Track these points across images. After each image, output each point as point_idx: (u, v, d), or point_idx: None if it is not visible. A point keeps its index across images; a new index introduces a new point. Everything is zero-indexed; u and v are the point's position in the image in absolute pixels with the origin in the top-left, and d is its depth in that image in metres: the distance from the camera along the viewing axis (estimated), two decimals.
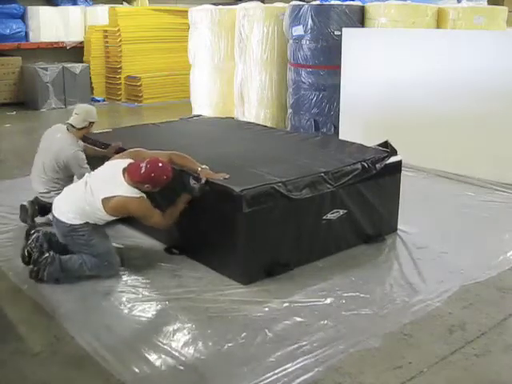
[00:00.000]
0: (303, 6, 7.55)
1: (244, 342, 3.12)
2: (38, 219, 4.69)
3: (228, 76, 8.87)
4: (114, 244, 4.17)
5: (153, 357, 3.00)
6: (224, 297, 3.60)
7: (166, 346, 3.09)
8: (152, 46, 11.42)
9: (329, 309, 3.47)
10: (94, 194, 3.71)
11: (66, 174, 4.61)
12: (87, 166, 4.51)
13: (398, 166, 4.56)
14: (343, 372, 2.88)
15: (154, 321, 3.38)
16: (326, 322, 3.32)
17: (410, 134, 6.39)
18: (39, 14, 11.02)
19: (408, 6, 7.38)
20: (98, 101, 11.36)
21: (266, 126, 6.31)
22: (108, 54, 11.46)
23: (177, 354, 3.02)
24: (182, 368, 2.91)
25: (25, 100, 10.74)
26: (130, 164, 3.78)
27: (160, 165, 3.73)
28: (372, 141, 4.80)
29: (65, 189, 4.00)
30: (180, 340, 3.15)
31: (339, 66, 7.11)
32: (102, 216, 3.76)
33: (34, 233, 3.92)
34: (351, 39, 6.98)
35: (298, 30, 7.54)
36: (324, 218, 4.06)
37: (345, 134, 6.95)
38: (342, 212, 4.14)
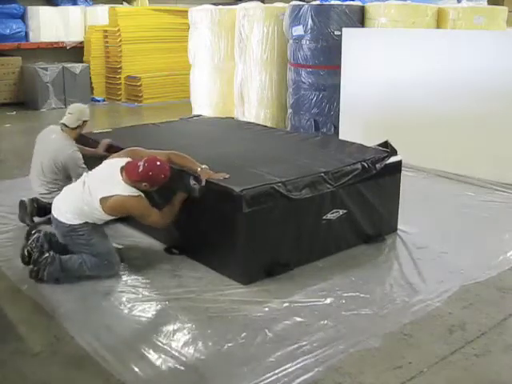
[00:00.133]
0: (303, 5, 7.55)
1: (244, 342, 3.12)
2: (36, 219, 4.70)
3: (228, 76, 8.87)
4: (114, 244, 4.18)
5: (153, 357, 3.00)
6: (224, 297, 3.60)
7: (165, 346, 3.09)
8: (152, 46, 11.42)
9: (329, 309, 3.47)
10: (91, 193, 3.71)
11: (64, 175, 4.61)
12: (84, 166, 4.52)
13: (398, 166, 4.56)
14: (343, 372, 2.88)
15: (154, 321, 3.38)
16: (325, 322, 3.32)
17: (410, 134, 6.39)
18: (39, 14, 11.02)
19: (408, 6, 7.38)
20: (98, 101, 11.37)
21: (266, 126, 6.31)
22: (108, 54, 11.46)
23: (177, 354, 3.02)
24: (182, 368, 2.91)
25: (25, 100, 10.74)
26: (128, 163, 3.78)
27: (158, 163, 3.74)
28: (372, 141, 4.80)
29: (64, 189, 4.00)
30: (180, 340, 3.15)
31: (339, 66, 7.11)
32: (100, 216, 3.76)
33: (34, 233, 3.93)
34: (351, 39, 6.97)
35: (298, 30, 7.54)
36: (324, 218, 4.06)
37: (345, 133, 6.95)
38: (341, 212, 4.15)
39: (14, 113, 10.27)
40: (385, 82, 6.71)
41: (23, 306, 3.57)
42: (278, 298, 3.58)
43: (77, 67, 10.81)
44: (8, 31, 10.77)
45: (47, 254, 3.75)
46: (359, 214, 4.29)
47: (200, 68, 9.19)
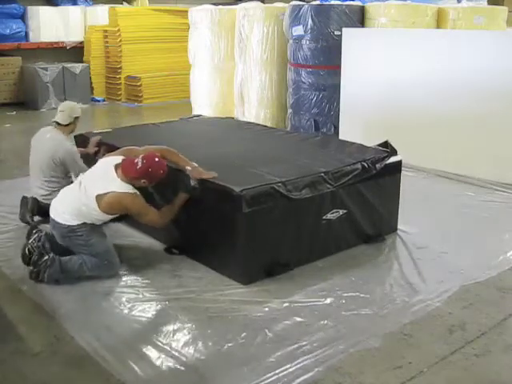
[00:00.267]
0: (303, 5, 7.55)
1: (244, 342, 3.12)
2: (36, 219, 4.70)
3: (228, 76, 8.87)
4: (114, 244, 4.18)
5: (153, 357, 3.00)
6: (224, 297, 3.60)
7: (166, 346, 3.09)
8: (152, 46, 11.42)
9: (329, 309, 3.47)
10: (87, 192, 3.71)
11: (64, 172, 4.66)
12: (82, 162, 4.59)
13: (397, 166, 4.56)
14: (343, 372, 2.88)
15: (154, 321, 3.38)
16: (325, 322, 3.32)
17: (410, 134, 6.39)
18: (39, 14, 11.03)
19: (408, 6, 7.38)
20: (98, 101, 11.37)
21: (266, 126, 6.31)
22: (108, 54, 11.46)
23: (177, 354, 3.02)
24: (182, 368, 2.91)
25: (25, 100, 10.75)
26: (124, 160, 3.78)
27: (156, 160, 3.76)
28: (372, 141, 4.80)
29: (61, 191, 4.00)
30: (180, 340, 3.15)
31: (339, 66, 7.11)
32: (97, 215, 3.76)
33: (36, 232, 3.92)
34: (351, 39, 6.98)
35: (298, 30, 7.54)
36: (324, 217, 4.06)
37: (345, 133, 6.95)
38: (341, 212, 4.15)
39: (14, 113, 10.28)
40: (385, 82, 6.71)
41: (23, 305, 3.57)
42: (278, 298, 3.58)
43: (77, 67, 10.81)
44: (8, 31, 10.78)
45: (47, 257, 3.75)
46: (359, 213, 4.29)
47: (200, 68, 9.19)
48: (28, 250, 3.83)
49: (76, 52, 11.57)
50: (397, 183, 4.61)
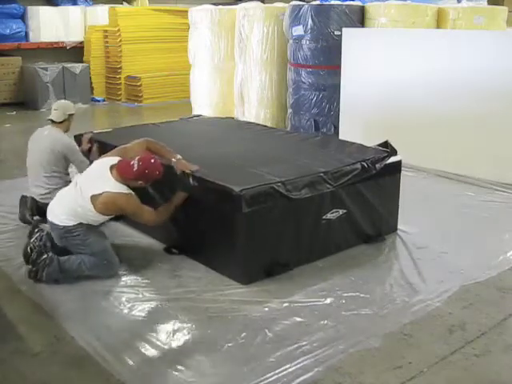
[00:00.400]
0: (303, 5, 7.55)
1: (244, 342, 3.12)
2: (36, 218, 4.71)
3: (228, 76, 8.87)
4: (113, 243, 4.19)
5: (153, 357, 3.00)
6: (224, 297, 3.60)
7: (165, 346, 3.09)
8: (152, 46, 11.42)
9: (329, 309, 3.47)
10: (83, 193, 3.73)
11: (64, 167, 4.72)
12: (81, 155, 4.69)
13: (397, 165, 4.56)
14: (343, 372, 2.88)
15: (154, 321, 3.38)
16: (325, 322, 3.31)
17: (410, 134, 6.39)
18: (39, 14, 11.03)
19: (408, 6, 7.38)
20: (98, 101, 11.37)
21: (265, 126, 6.30)
22: (108, 54, 11.47)
23: (177, 353, 3.02)
24: (182, 368, 2.91)
25: (25, 100, 10.75)
26: (120, 161, 3.81)
27: (152, 161, 3.79)
28: (372, 141, 4.80)
29: (57, 193, 4.01)
30: (180, 340, 3.15)
31: (339, 66, 7.11)
32: (93, 216, 3.77)
33: (37, 231, 3.93)
34: (351, 39, 6.97)
35: (298, 30, 7.54)
36: (324, 217, 4.06)
37: (345, 134, 6.95)
38: (341, 212, 4.14)
39: (14, 113, 10.27)
40: (385, 82, 6.71)
41: (23, 305, 3.57)
42: (277, 298, 3.58)
43: (77, 67, 10.81)
44: (8, 31, 10.78)
45: (45, 256, 3.75)
46: (359, 213, 4.29)
47: (200, 68, 9.19)
48: (30, 248, 3.85)
49: (76, 52, 11.57)
50: (397, 183, 4.60)
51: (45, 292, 3.68)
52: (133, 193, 3.77)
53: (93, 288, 3.73)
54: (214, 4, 9.54)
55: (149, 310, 3.48)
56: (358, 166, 4.21)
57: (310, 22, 7.39)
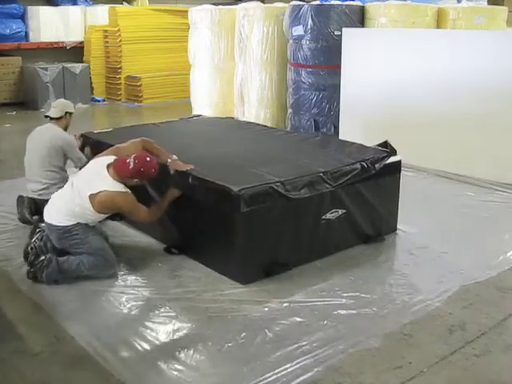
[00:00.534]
0: (303, 5, 7.54)
1: (244, 341, 3.12)
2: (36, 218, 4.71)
3: (228, 76, 8.87)
4: (113, 243, 4.19)
5: (153, 357, 3.00)
6: (224, 297, 3.60)
7: (165, 346, 3.09)
8: (152, 46, 11.42)
9: (329, 309, 3.47)
10: (80, 193, 3.75)
11: (62, 162, 4.74)
12: (79, 151, 4.75)
13: (397, 165, 4.56)
14: (343, 372, 2.87)
15: (154, 321, 3.38)
16: (325, 321, 3.31)
17: (410, 134, 6.39)
18: (39, 14, 11.03)
19: (408, 6, 7.38)
20: (98, 101, 11.37)
21: (265, 126, 6.31)
22: (108, 54, 11.46)
23: (176, 353, 3.02)
24: (181, 368, 2.91)
25: (25, 100, 10.75)
26: (116, 160, 3.84)
27: (148, 159, 3.83)
28: (372, 141, 4.80)
29: (52, 196, 4.02)
30: (180, 340, 3.15)
31: (339, 66, 7.11)
32: (91, 215, 3.79)
33: (38, 231, 3.95)
34: (351, 39, 6.97)
35: (298, 30, 7.54)
36: (323, 217, 4.06)
37: (345, 134, 6.95)
38: (340, 212, 4.14)
39: (14, 113, 10.27)
40: (385, 82, 6.71)
41: (23, 305, 3.57)
42: (277, 297, 3.58)
43: (77, 67, 10.81)
44: (8, 31, 10.78)
45: (43, 257, 3.76)
46: (358, 213, 4.29)
47: (200, 68, 9.19)
48: (30, 248, 3.86)
49: (76, 52, 11.57)
50: (396, 183, 4.60)
51: (45, 292, 3.68)
52: (129, 191, 3.80)
53: (93, 288, 3.72)
54: (214, 4, 9.54)
55: (148, 310, 3.48)
56: (358, 165, 4.21)
57: (310, 21, 7.39)
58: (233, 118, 8.10)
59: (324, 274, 3.90)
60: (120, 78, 11.31)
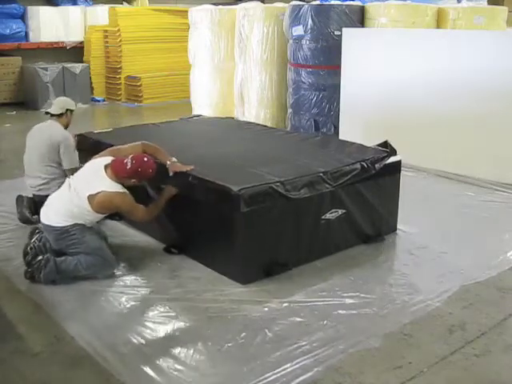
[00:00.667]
0: (303, 5, 7.54)
1: (243, 341, 3.12)
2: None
3: (228, 76, 8.87)
4: (113, 243, 4.19)
5: (153, 356, 3.00)
6: (223, 297, 3.60)
7: (165, 346, 3.09)
8: (152, 46, 11.42)
9: (328, 309, 3.47)
10: (79, 193, 3.76)
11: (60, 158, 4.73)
12: (75, 154, 4.73)
13: (397, 165, 4.56)
14: (343, 372, 2.87)
15: (154, 321, 3.37)
16: (325, 321, 3.31)
17: (410, 134, 6.39)
18: (39, 13, 11.03)
19: (408, 6, 7.38)
20: (98, 101, 11.37)
21: (266, 126, 6.31)
22: (108, 54, 11.46)
23: (176, 353, 3.02)
24: (181, 368, 2.91)
25: (25, 100, 10.75)
26: (114, 160, 3.85)
27: (145, 159, 3.85)
28: (372, 141, 4.80)
29: (49, 197, 4.01)
30: (180, 340, 3.15)
31: (339, 66, 7.11)
32: (89, 215, 3.80)
33: (38, 232, 3.95)
34: (351, 39, 6.97)
35: (298, 30, 7.54)
36: (323, 217, 4.06)
37: (345, 134, 6.95)
38: (340, 212, 4.14)
39: (14, 113, 10.27)
40: (385, 82, 6.71)
41: (23, 305, 3.57)
42: (277, 297, 3.58)
43: (77, 67, 10.81)
44: (8, 31, 10.78)
45: (41, 257, 3.77)
46: (358, 213, 4.29)
47: (200, 68, 9.18)
48: (30, 248, 3.87)
49: (76, 52, 11.57)
50: (396, 183, 4.60)
51: (44, 292, 3.68)
52: (127, 191, 3.81)
53: (92, 288, 3.72)
54: (214, 4, 9.54)
55: (148, 310, 3.48)
56: (358, 165, 4.21)
57: (310, 21, 7.39)
58: (233, 118, 8.10)
59: (324, 274, 3.90)
60: (120, 78, 11.31)
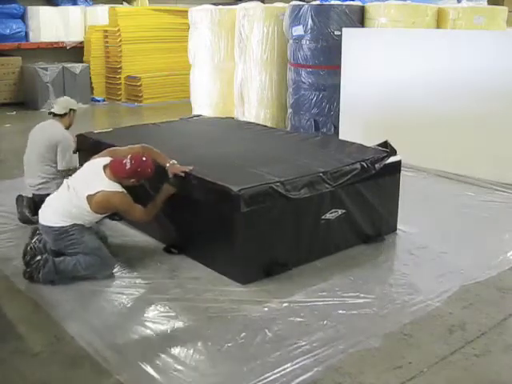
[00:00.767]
0: (303, 5, 7.55)
1: (243, 341, 3.12)
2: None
3: (228, 76, 8.87)
4: (113, 243, 4.19)
5: (153, 356, 3.00)
6: (223, 297, 3.60)
7: (165, 346, 3.09)
8: (152, 46, 11.42)
9: (328, 309, 3.47)
10: (78, 194, 3.76)
11: None
12: (73, 156, 4.73)
13: (397, 165, 4.56)
14: (343, 372, 2.87)
15: (154, 321, 3.37)
16: (325, 321, 3.31)
17: (410, 134, 6.39)
18: (39, 14, 11.03)
19: (408, 6, 7.38)
20: (98, 101, 11.37)
21: (266, 126, 6.31)
22: (108, 54, 11.46)
23: (176, 353, 3.02)
24: (181, 368, 2.91)
25: (25, 100, 10.75)
26: (113, 161, 3.86)
27: (144, 159, 3.86)
28: (372, 141, 4.80)
29: (47, 198, 4.01)
30: (180, 340, 3.15)
31: (339, 66, 7.11)
32: (88, 216, 3.80)
33: (38, 233, 3.96)
34: (351, 39, 6.97)
35: (298, 30, 7.54)
36: (323, 217, 4.06)
37: (345, 134, 6.95)
38: (340, 212, 4.14)
39: (14, 113, 10.27)
40: (385, 82, 6.71)
41: (23, 305, 3.58)
42: (277, 297, 3.58)
43: (77, 67, 10.81)
44: (8, 31, 10.78)
45: (39, 257, 3.77)
46: (358, 213, 4.29)
47: (200, 68, 9.19)
48: (30, 248, 3.87)
49: (76, 52, 11.57)
50: (396, 183, 4.60)
51: (44, 292, 3.68)
52: (125, 191, 3.82)
53: (92, 288, 3.72)
54: (214, 4, 9.54)
55: (148, 310, 3.48)
56: (358, 165, 4.21)
57: (310, 21, 7.39)
58: (233, 117, 8.10)
59: (324, 274, 3.90)
60: (120, 78, 11.31)
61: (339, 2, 7.91)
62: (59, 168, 4.66)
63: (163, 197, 3.99)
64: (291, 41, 7.75)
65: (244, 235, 3.75)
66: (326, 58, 7.44)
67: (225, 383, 2.82)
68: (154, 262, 4.09)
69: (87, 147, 4.99)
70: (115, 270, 3.92)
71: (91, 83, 11.24)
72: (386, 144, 4.57)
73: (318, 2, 8.21)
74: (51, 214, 3.82)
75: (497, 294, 3.70)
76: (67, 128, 4.86)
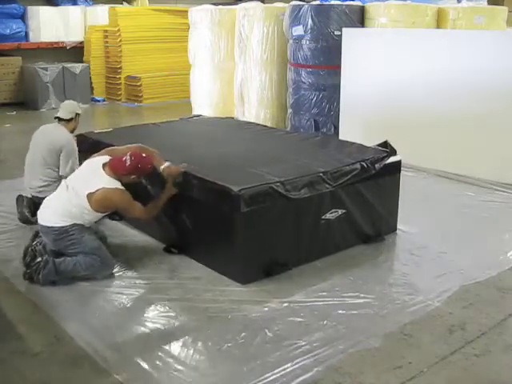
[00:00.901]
0: (303, 5, 7.55)
1: (243, 341, 3.12)
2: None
3: (228, 76, 8.87)
4: (113, 243, 4.19)
5: (152, 356, 3.00)
6: (223, 297, 3.60)
7: (165, 346, 3.09)
8: (152, 46, 11.42)
9: (328, 309, 3.47)
10: (78, 193, 3.77)
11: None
12: (76, 161, 4.64)
13: (397, 165, 4.56)
14: (343, 372, 2.87)
15: (154, 321, 3.38)
16: (325, 321, 3.31)
17: (410, 134, 6.39)
18: (39, 13, 11.03)
19: (408, 6, 7.38)
20: (98, 101, 11.37)
21: (265, 126, 6.31)
22: (108, 54, 11.47)
23: (176, 353, 3.02)
24: (181, 368, 2.91)
25: (25, 100, 10.75)
26: (112, 159, 3.87)
27: (143, 155, 3.89)
28: (372, 141, 4.80)
29: (45, 199, 4.01)
30: (179, 340, 3.15)
31: (339, 66, 7.11)
32: (88, 215, 3.81)
33: (40, 236, 3.94)
34: (351, 39, 6.97)
35: (298, 30, 7.54)
36: (323, 217, 4.06)
37: (345, 134, 6.95)
38: (340, 212, 4.14)
39: (14, 113, 10.27)
40: (385, 82, 6.71)
41: (23, 305, 3.58)
42: (277, 297, 3.58)
43: (77, 67, 10.81)
44: (8, 31, 10.78)
45: (39, 259, 3.77)
46: (358, 213, 4.29)
47: (200, 68, 9.19)
48: (31, 249, 3.87)
49: (76, 52, 11.57)
50: (396, 183, 4.60)
51: (44, 292, 3.68)
52: (124, 189, 3.83)
53: (92, 288, 3.72)
54: (214, 4, 9.54)
55: (148, 310, 3.48)
56: (358, 165, 4.21)
57: (309, 21, 7.39)
58: (233, 117, 8.11)
59: (324, 274, 3.90)
60: (120, 78, 11.31)
61: (339, 2, 7.91)
62: (61, 174, 4.60)
63: (165, 197, 3.99)
64: (291, 41, 7.75)
65: (244, 235, 3.75)
66: (326, 58, 7.44)
67: (225, 383, 2.82)
68: (153, 262, 4.09)
69: (87, 147, 4.98)
70: (115, 270, 3.92)
71: (91, 83, 11.24)
72: (385, 144, 4.57)
73: (318, 2, 8.21)
74: (51, 215, 3.82)
75: (497, 294, 3.70)
76: (71, 132, 4.82)
